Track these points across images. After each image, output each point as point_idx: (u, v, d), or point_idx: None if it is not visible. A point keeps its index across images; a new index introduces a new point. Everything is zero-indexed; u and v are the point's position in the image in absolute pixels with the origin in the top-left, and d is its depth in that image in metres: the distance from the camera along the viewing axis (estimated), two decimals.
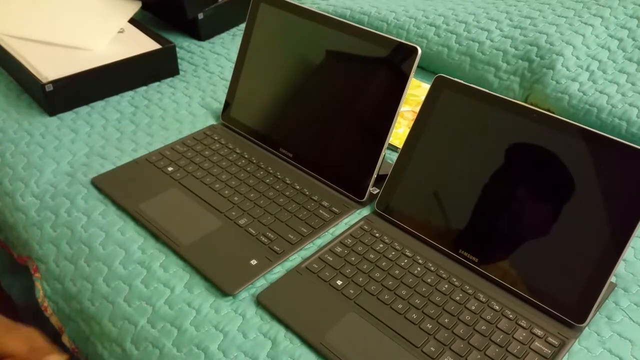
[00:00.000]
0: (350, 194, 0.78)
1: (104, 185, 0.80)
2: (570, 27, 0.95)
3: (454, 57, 1.03)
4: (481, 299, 0.64)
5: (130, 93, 1.02)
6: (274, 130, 0.86)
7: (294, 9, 0.84)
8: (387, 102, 0.74)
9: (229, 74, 1.06)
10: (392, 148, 0.88)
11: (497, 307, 0.63)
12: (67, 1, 1.12)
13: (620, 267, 0.68)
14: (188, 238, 0.71)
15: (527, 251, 0.64)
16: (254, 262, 0.68)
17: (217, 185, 0.79)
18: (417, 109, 0.73)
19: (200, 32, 1.19)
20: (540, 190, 0.64)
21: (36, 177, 0.83)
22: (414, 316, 0.62)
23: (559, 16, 0.99)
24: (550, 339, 0.59)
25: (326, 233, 0.73)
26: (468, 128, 0.69)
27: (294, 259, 0.70)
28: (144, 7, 1.21)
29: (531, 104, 0.93)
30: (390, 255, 0.69)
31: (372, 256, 0.69)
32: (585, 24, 0.95)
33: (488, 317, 0.62)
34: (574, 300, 0.60)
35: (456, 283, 0.65)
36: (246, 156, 0.85)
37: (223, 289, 0.65)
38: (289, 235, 0.72)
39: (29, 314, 0.92)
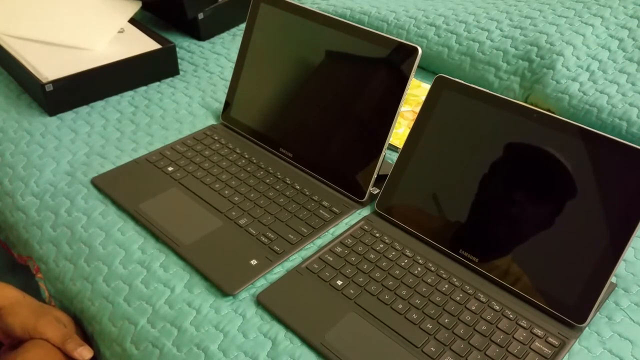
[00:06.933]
0: (351, 194, 0.78)
1: (104, 185, 0.80)
2: (570, 27, 0.95)
3: (454, 57, 1.03)
4: (481, 299, 0.64)
5: (130, 93, 1.02)
6: (274, 130, 0.86)
7: (294, 9, 0.84)
8: (387, 102, 0.74)
9: (229, 74, 1.06)
10: (392, 148, 0.87)
11: (497, 307, 0.63)
12: (67, 1, 1.12)
13: (620, 267, 0.68)
14: (188, 238, 0.71)
15: (528, 251, 0.64)
16: (254, 262, 0.68)
17: (217, 185, 0.79)
18: (417, 109, 0.73)
19: (200, 32, 1.19)
20: (540, 190, 0.64)
21: (36, 177, 0.83)
22: (414, 316, 0.62)
23: (559, 16, 0.99)
24: (550, 339, 0.59)
25: (326, 233, 0.73)
26: (468, 128, 0.69)
27: (294, 259, 0.70)
28: (144, 7, 1.21)
29: (531, 104, 0.93)
30: (391, 256, 0.69)
31: (372, 256, 0.69)
32: (586, 24, 0.95)
33: (488, 317, 0.62)
34: (574, 301, 0.60)
35: (456, 283, 0.65)
36: (246, 156, 0.85)
37: (223, 289, 0.65)
38: (289, 235, 0.72)
39: None
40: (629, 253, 0.70)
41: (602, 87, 0.88)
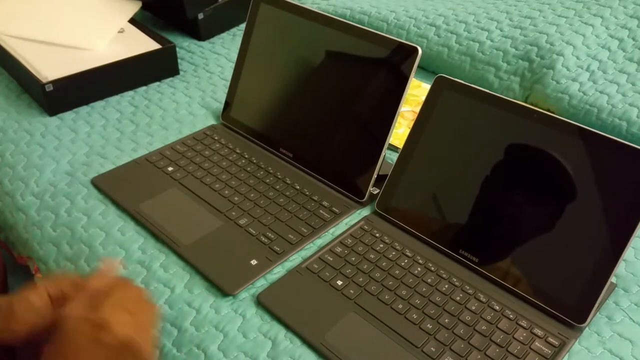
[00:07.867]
0: (351, 194, 0.78)
1: (104, 185, 0.80)
2: (570, 27, 0.95)
3: (454, 57, 1.03)
4: (481, 299, 0.64)
5: (130, 93, 1.02)
6: (274, 130, 0.86)
7: (294, 9, 0.84)
8: (388, 102, 0.74)
9: (229, 74, 1.06)
10: (392, 148, 0.87)
11: (497, 307, 0.63)
12: (67, 1, 1.12)
13: (620, 267, 0.68)
14: (188, 238, 0.71)
15: (528, 251, 0.64)
16: (254, 262, 0.68)
17: (217, 185, 0.79)
18: (417, 109, 0.73)
19: (200, 32, 1.18)
20: (540, 190, 0.64)
21: (36, 177, 0.83)
22: (414, 316, 0.62)
23: (559, 16, 0.99)
24: (550, 339, 0.59)
25: (326, 233, 0.73)
26: (468, 128, 0.69)
27: (294, 259, 0.70)
28: (144, 7, 1.21)
29: (531, 104, 0.93)
30: (391, 256, 0.69)
31: (372, 256, 0.69)
32: (586, 24, 0.95)
33: (488, 317, 0.62)
34: (574, 301, 0.60)
35: (456, 283, 0.65)
36: (246, 156, 0.85)
37: (223, 289, 0.65)
38: (289, 235, 0.72)
39: None
40: (629, 253, 0.70)
41: (602, 87, 0.88)
